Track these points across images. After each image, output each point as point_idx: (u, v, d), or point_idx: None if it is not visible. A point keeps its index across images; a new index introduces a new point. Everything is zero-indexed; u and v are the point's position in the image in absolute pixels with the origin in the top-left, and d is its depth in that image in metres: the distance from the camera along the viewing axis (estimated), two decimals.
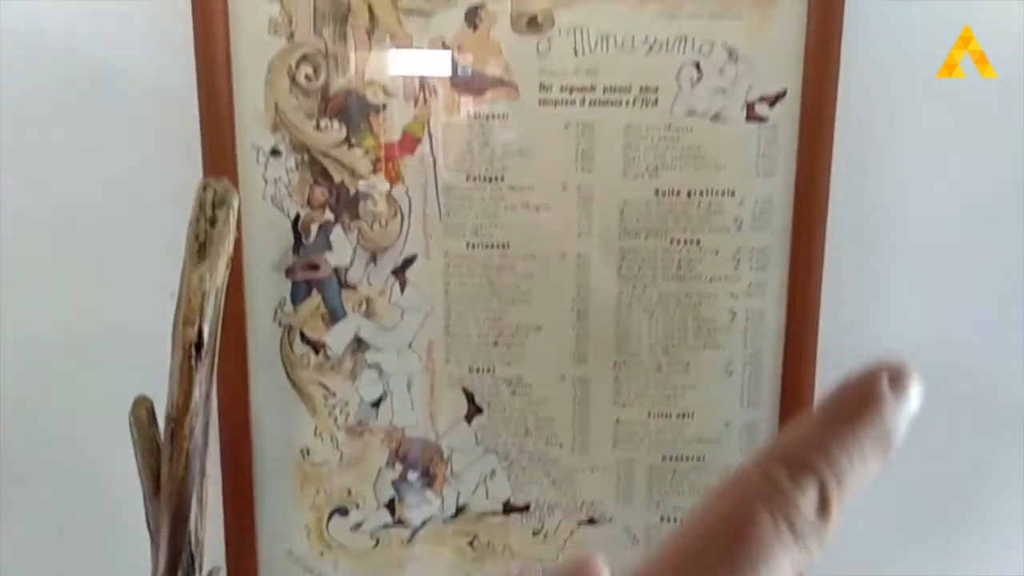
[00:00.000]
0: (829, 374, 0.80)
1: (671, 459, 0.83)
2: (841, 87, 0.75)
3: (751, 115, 0.77)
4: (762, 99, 0.77)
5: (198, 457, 0.61)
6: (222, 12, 0.73)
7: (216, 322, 0.60)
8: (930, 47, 0.76)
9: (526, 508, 0.84)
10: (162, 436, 0.62)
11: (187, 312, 0.58)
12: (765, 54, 0.75)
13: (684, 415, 0.82)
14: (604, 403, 0.82)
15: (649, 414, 0.82)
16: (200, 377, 0.60)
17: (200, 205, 0.58)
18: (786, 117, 0.77)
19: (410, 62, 0.76)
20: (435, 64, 0.76)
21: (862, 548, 0.82)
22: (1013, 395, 0.83)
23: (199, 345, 0.59)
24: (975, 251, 0.81)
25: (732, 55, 0.76)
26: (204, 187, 0.59)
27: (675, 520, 0.84)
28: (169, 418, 0.60)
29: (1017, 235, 0.80)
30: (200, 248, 0.58)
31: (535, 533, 0.84)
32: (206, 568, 0.66)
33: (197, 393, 0.60)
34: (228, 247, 0.58)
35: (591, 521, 0.84)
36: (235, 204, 0.58)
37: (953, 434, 0.81)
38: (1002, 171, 0.80)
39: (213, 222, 0.57)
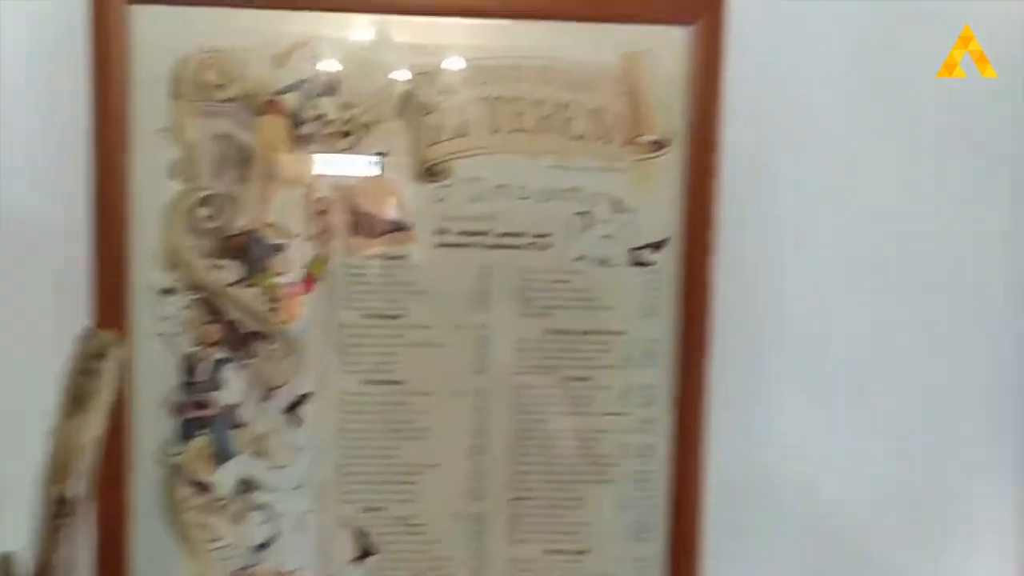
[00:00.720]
0: (717, 507, 0.83)
1: None
2: (720, 233, 0.82)
3: (636, 260, 0.82)
4: (646, 245, 0.82)
5: None
6: (121, 155, 0.74)
7: (90, 474, 0.57)
8: (797, 197, 0.84)
9: None
10: None
11: (56, 467, 0.55)
12: (648, 204, 0.81)
13: (580, 551, 0.82)
14: (500, 541, 0.82)
15: (545, 551, 0.82)
16: (67, 534, 0.57)
17: (80, 355, 0.56)
18: (669, 262, 0.82)
19: (311, 204, 0.77)
20: (336, 206, 0.78)
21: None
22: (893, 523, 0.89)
23: (67, 501, 0.56)
24: (859, 374, 0.87)
25: (618, 205, 0.81)
26: (86, 336, 0.57)
27: None
28: None
29: (902, 355, 0.87)
30: (75, 399, 0.56)
31: None
32: None
33: (65, 550, 0.57)
34: (108, 398, 0.56)
35: None
36: (119, 355, 0.57)
37: None
38: (884, 304, 0.87)
39: (93, 373, 0.55)
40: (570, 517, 0.82)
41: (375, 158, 0.78)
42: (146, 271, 0.76)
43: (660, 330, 0.82)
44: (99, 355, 0.55)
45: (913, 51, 0.84)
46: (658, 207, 0.82)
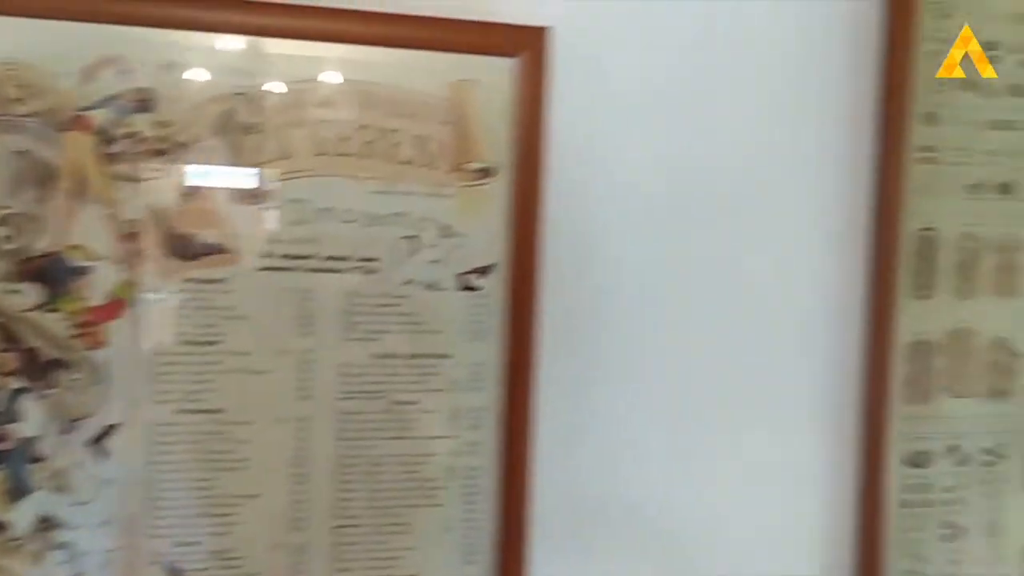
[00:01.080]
0: (544, 527, 0.85)
1: None
2: (546, 258, 0.84)
3: (464, 285, 0.83)
4: (474, 270, 0.83)
5: None
6: None
7: None
8: (621, 223, 0.88)
9: None
10: None
11: None
12: (476, 230, 0.82)
13: None
14: (322, 570, 0.80)
15: None
16: None
17: None
18: (496, 286, 0.83)
19: (120, 225, 0.74)
20: (149, 227, 0.75)
21: None
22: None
23: None
24: (687, 392, 0.91)
25: (445, 230, 0.82)
26: None
27: None
28: None
29: (733, 367, 0.92)
30: None
31: None
32: None
33: None
34: None
35: None
36: None
37: None
38: (710, 320, 0.91)
39: None
40: (396, 543, 0.82)
41: (192, 178, 0.76)
42: None
43: (487, 353, 0.84)
44: None
45: (732, 73, 0.90)
46: (485, 233, 0.83)
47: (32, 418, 0.73)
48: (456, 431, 0.83)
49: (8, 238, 0.72)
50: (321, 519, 0.80)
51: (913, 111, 0.92)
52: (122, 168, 0.74)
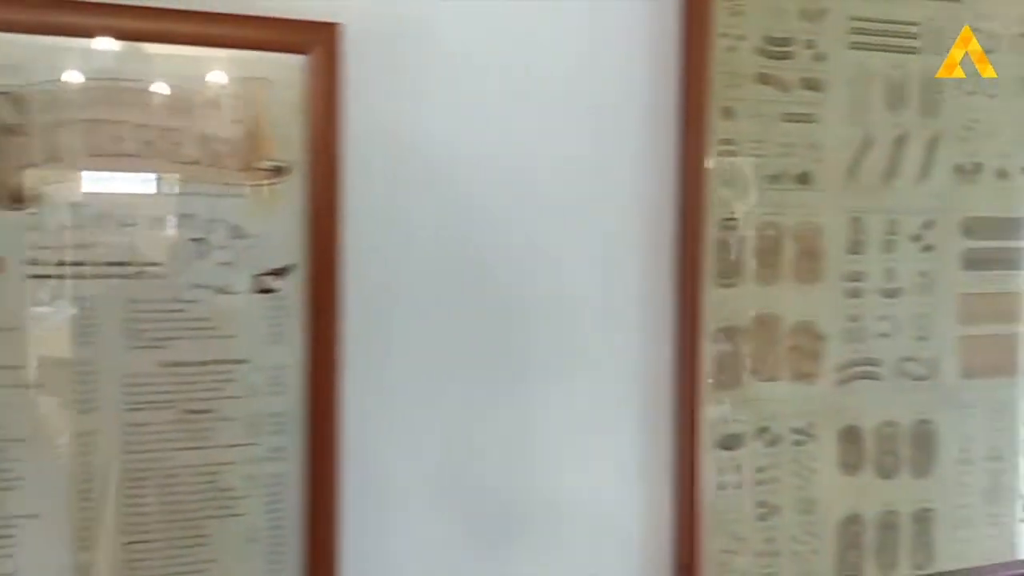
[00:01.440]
0: (352, 533, 0.84)
1: None
2: (348, 257, 0.83)
3: (260, 287, 0.81)
4: (270, 272, 0.81)
5: None
6: None
7: None
8: (422, 219, 0.88)
9: None
10: None
11: None
12: (270, 230, 0.81)
13: None
14: None
15: None
16: None
17: None
18: (294, 287, 0.82)
19: None
20: None
21: None
22: None
23: None
24: (484, 383, 0.91)
25: (236, 231, 0.80)
26: None
27: None
28: None
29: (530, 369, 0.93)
30: None
31: None
32: None
33: None
34: None
35: None
36: None
37: None
38: (496, 319, 0.92)
39: None
40: (194, 555, 0.79)
41: None
42: None
43: (288, 356, 0.82)
44: None
45: (537, 72, 0.91)
46: (281, 233, 0.81)
47: None
48: (256, 438, 0.81)
49: None
50: (110, 536, 0.76)
51: (712, 105, 0.95)
52: None
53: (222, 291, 0.79)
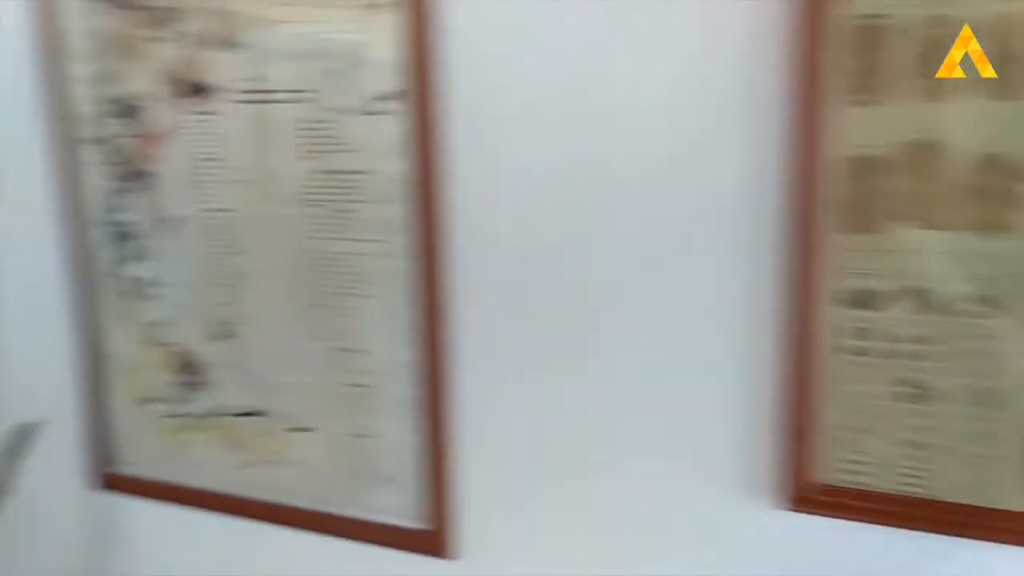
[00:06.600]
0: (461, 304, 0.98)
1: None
2: (453, 84, 0.93)
3: (376, 109, 0.96)
4: (385, 96, 0.95)
5: None
6: None
7: None
8: (524, 47, 0.90)
9: None
10: None
11: None
12: (385, 60, 0.95)
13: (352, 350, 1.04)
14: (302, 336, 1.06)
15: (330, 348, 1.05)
16: None
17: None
18: (406, 109, 0.95)
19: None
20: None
21: None
22: None
23: None
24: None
25: (360, 62, 0.96)
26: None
27: None
28: None
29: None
30: None
31: None
32: None
33: None
34: None
35: None
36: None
37: None
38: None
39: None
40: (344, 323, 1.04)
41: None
42: None
43: (401, 170, 0.97)
44: None
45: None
46: (394, 63, 0.94)
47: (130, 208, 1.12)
48: (386, 236, 1.00)
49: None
50: (300, 296, 1.06)
51: None
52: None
53: (349, 112, 0.97)
